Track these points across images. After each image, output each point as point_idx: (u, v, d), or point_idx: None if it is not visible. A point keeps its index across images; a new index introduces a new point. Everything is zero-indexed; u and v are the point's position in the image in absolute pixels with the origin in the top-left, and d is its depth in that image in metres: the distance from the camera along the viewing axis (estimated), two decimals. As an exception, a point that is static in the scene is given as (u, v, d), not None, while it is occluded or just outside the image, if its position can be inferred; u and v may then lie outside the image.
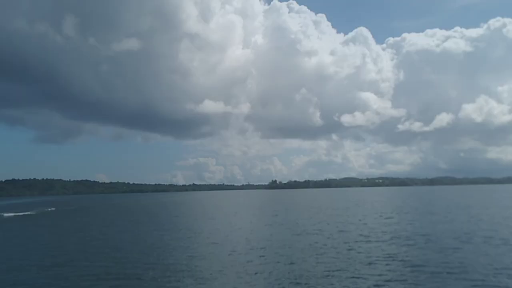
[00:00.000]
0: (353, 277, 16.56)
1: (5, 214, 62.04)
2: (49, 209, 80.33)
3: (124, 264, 20.28)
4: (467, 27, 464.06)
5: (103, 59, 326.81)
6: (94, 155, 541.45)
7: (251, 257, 21.55)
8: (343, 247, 24.24)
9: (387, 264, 18.89)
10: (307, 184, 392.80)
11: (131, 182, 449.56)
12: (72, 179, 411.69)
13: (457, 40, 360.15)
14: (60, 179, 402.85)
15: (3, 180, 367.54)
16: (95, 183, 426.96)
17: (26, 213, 65.44)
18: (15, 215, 59.98)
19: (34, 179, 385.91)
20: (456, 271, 17.13)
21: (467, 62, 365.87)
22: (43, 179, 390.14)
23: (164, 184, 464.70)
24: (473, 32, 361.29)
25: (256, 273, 17.71)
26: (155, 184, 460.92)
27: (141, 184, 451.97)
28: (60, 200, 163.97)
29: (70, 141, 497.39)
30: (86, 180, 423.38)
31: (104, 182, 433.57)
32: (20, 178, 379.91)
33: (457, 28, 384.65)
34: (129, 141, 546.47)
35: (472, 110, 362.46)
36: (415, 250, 22.62)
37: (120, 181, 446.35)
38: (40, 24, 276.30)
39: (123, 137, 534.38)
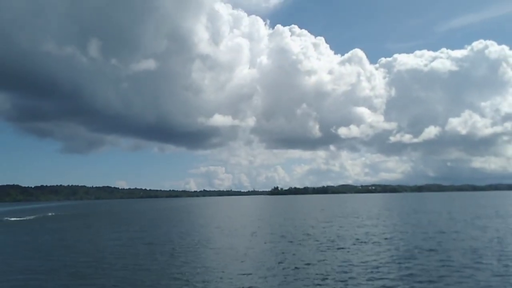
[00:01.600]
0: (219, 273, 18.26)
1: (9, 218, 63.03)
2: (50, 214, 79.86)
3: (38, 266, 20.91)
4: (452, 49, 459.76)
5: (123, 78, 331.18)
6: (115, 164, 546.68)
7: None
8: (255, 246, 25.95)
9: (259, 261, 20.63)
10: (306, 191, 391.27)
11: (147, 188, 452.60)
12: (94, 186, 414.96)
13: (443, 60, 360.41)
14: (84, 186, 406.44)
15: (33, 186, 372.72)
16: (115, 189, 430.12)
17: (27, 218, 65.64)
18: (17, 220, 60.53)
19: (60, 185, 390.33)
20: (309, 265, 18.77)
21: (452, 80, 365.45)
22: (68, 185, 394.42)
23: (177, 190, 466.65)
24: (458, 53, 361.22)
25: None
26: (170, 190, 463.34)
27: (157, 190, 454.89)
28: (74, 205, 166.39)
29: (93, 151, 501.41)
30: (107, 187, 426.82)
31: (124, 188, 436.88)
32: (48, 185, 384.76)
33: (444, 50, 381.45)
34: (146, 151, 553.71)
35: (457, 124, 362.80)
36: (307, 250, 24.11)
37: (138, 187, 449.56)
38: (68, 46, 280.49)
39: (141, 148, 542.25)
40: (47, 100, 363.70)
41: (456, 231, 32.54)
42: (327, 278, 16.38)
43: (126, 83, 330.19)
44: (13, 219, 62.62)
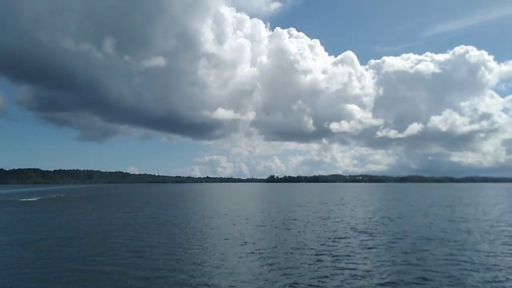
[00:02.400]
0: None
1: (21, 199, 63.93)
2: (62, 196, 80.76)
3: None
4: (436, 53, 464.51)
5: (135, 73, 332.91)
6: (127, 151, 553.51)
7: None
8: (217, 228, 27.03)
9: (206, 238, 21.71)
10: (299, 179, 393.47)
11: (156, 174, 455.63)
12: (108, 171, 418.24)
13: (427, 63, 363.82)
14: (98, 170, 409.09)
15: (52, 170, 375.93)
16: (126, 174, 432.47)
17: (36, 198, 66.28)
18: (26, 200, 60.95)
19: (77, 169, 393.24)
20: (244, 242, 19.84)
21: (435, 81, 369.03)
22: (84, 170, 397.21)
23: (183, 176, 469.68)
24: (441, 57, 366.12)
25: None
26: (176, 176, 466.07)
27: (164, 176, 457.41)
28: (87, 188, 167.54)
29: (107, 140, 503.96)
30: (120, 172, 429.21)
31: (134, 174, 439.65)
32: (66, 169, 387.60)
33: (428, 53, 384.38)
34: (156, 140, 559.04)
35: (438, 121, 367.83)
36: (255, 230, 25.10)
37: (147, 173, 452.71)
38: (85, 43, 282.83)
39: (151, 137, 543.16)
40: (65, 92, 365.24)
41: (401, 217, 33.49)
42: (253, 253, 17.43)
43: (138, 78, 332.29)
44: (24, 199, 63.51)
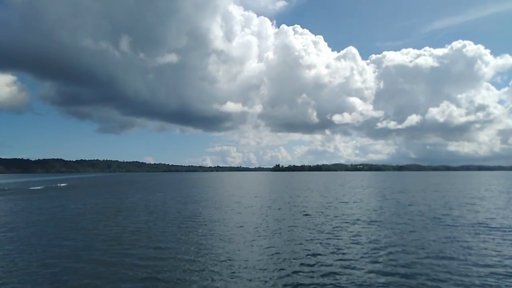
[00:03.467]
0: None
1: (32, 187, 64.29)
2: (67, 184, 79.79)
3: None
4: (434, 47, 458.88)
5: (150, 69, 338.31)
6: (143, 142, 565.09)
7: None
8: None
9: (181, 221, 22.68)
10: (302, 168, 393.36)
11: (170, 164, 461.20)
12: (125, 161, 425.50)
13: (426, 57, 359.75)
14: (117, 160, 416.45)
15: (74, 160, 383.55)
16: (143, 164, 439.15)
17: (43, 186, 66.86)
18: (34, 189, 61.18)
19: (97, 160, 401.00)
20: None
21: (433, 75, 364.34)
22: (103, 160, 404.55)
23: (195, 166, 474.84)
24: (439, 51, 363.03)
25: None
26: (189, 166, 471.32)
27: (178, 165, 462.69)
28: (103, 176, 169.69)
29: (125, 132, 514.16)
30: (136, 162, 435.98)
31: (150, 163, 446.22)
32: (87, 159, 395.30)
33: (427, 48, 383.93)
34: (170, 132, 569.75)
35: (436, 113, 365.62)
36: (222, 215, 25.98)
37: (162, 162, 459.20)
38: (103, 42, 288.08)
39: (165, 129, 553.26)
40: (85, 87, 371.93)
41: (358, 201, 34.11)
42: (198, 233, 18.43)
43: (152, 74, 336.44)
44: (31, 188, 64.03)
